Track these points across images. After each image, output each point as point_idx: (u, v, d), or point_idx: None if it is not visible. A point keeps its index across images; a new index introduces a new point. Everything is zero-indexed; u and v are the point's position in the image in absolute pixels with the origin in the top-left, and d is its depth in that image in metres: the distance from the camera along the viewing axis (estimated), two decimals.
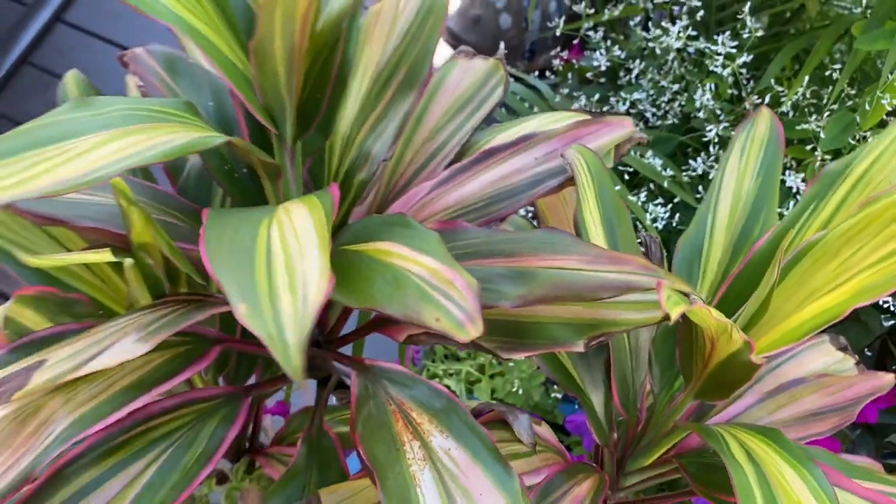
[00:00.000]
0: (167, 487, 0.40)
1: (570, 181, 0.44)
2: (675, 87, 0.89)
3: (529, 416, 0.48)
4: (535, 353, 0.40)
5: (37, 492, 0.40)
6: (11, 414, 0.39)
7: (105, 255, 0.40)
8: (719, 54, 0.84)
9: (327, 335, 0.51)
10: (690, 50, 0.88)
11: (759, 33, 0.85)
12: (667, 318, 0.36)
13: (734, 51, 0.84)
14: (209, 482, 0.61)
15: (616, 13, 0.94)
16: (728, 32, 0.86)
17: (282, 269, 0.28)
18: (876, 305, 0.80)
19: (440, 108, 0.50)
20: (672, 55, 0.88)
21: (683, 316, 0.39)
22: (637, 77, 0.93)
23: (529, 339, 0.40)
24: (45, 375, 0.37)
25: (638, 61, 0.93)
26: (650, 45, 0.91)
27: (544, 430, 0.51)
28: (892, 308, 0.79)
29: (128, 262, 0.40)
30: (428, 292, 0.28)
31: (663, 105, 0.93)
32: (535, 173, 0.45)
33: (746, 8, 0.84)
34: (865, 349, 0.86)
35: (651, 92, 0.92)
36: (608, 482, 0.51)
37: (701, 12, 0.89)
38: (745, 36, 0.85)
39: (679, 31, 0.85)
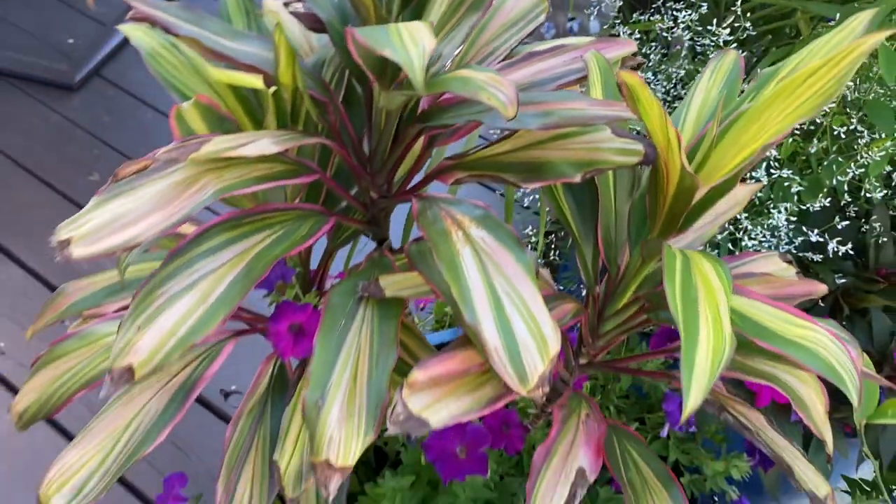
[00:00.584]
0: (283, 246, 0.58)
1: (586, 78, 0.61)
2: (682, 72, 1.06)
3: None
4: (547, 184, 0.57)
5: (189, 243, 0.58)
6: (180, 181, 0.57)
7: (257, 82, 0.58)
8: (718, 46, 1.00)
9: (396, 192, 0.68)
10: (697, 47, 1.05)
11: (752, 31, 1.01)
12: (644, 159, 0.53)
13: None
14: None
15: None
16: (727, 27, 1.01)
17: None
18: (828, 261, 0.94)
19: (497, 24, 0.67)
20: (683, 44, 1.05)
21: (654, 166, 0.56)
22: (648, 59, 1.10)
23: (543, 173, 0.57)
24: (211, 147, 0.54)
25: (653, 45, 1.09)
26: (663, 34, 1.07)
27: (545, 273, 0.68)
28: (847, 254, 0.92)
29: (271, 89, 0.58)
30: (485, 87, 0.45)
31: (671, 91, 1.09)
32: (562, 71, 0.62)
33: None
34: (820, 301, 1.01)
35: (660, 77, 1.09)
36: (587, 319, 0.68)
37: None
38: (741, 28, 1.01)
39: (684, 19, 1.02)
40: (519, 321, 0.53)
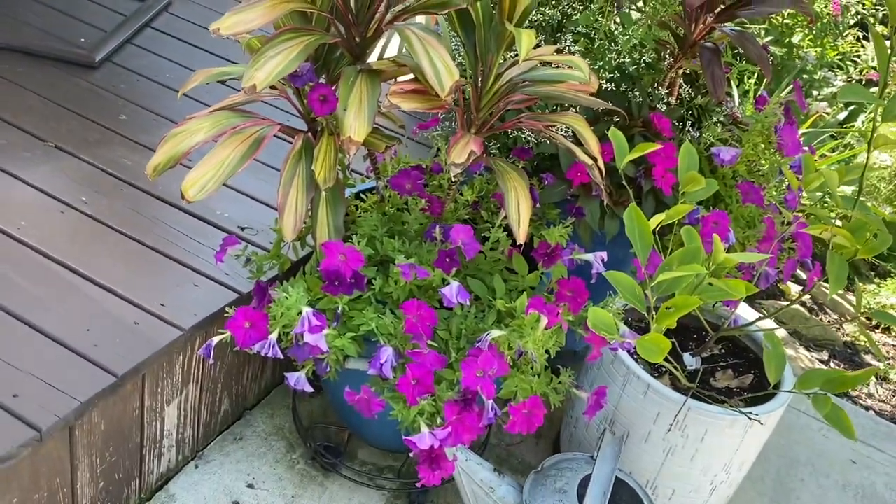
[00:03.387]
0: (315, 43, 1.16)
1: None
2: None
3: None
4: (450, 10, 1.19)
5: (275, 36, 1.15)
6: (269, 4, 1.15)
7: None
8: None
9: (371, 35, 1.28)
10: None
11: None
12: None
13: None
14: None
15: None
16: None
17: None
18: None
19: None
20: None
21: None
22: None
23: (449, 7, 1.19)
24: None
25: None
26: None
27: None
28: None
29: None
30: None
31: None
32: None
33: None
34: None
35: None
36: (474, 95, 1.29)
37: None
38: None
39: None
40: (439, 63, 1.14)
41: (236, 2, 2.15)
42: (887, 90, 0.95)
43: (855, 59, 4.23)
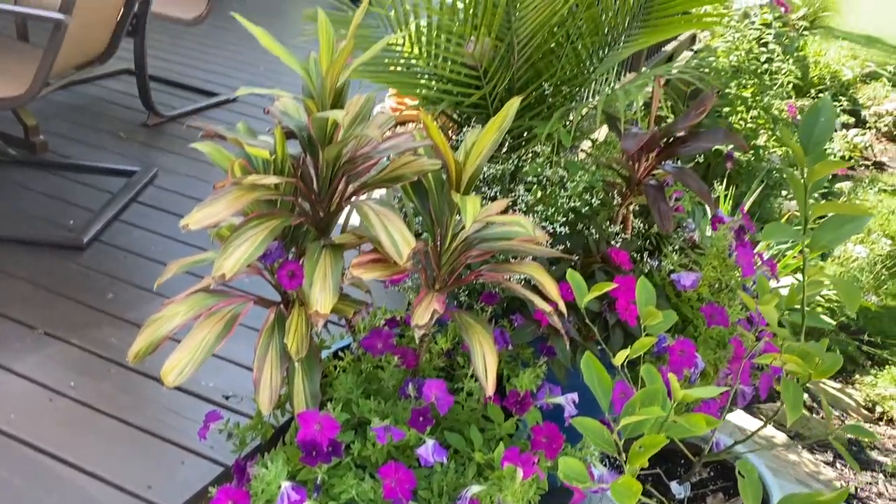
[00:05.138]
0: (280, 227, 1.25)
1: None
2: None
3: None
4: (403, 183, 1.28)
5: (242, 224, 1.24)
6: (235, 195, 1.24)
7: (266, 153, 1.27)
8: None
9: (333, 210, 1.37)
10: None
11: None
12: (442, 166, 1.27)
13: None
14: None
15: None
16: None
17: None
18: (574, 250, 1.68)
19: (376, 123, 1.40)
20: None
21: (444, 166, 1.28)
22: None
23: (401, 179, 1.28)
24: (249, 179, 1.22)
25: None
26: None
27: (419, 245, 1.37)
28: None
29: (272, 157, 1.28)
30: (378, 148, 1.17)
31: None
32: (405, 139, 1.36)
33: None
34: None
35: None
36: (434, 255, 1.36)
37: None
38: None
39: None
40: (396, 234, 1.21)
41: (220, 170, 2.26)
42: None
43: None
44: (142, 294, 1.97)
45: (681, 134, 1.52)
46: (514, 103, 1.28)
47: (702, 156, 4.09)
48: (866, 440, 2.73)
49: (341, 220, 1.45)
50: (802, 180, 1.05)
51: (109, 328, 1.82)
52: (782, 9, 4.47)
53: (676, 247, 1.71)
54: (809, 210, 1.03)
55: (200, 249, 2.15)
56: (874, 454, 2.72)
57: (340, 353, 1.52)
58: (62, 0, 2.02)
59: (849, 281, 1.12)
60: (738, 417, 2.63)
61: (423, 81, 1.79)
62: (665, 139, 1.56)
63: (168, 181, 2.62)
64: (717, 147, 3.78)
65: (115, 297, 1.95)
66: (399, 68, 1.81)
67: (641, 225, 1.68)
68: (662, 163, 1.56)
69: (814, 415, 2.92)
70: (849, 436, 2.81)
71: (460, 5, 1.63)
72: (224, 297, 1.35)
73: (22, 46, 2.65)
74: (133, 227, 2.30)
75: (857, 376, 3.29)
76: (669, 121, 2.98)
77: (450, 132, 1.95)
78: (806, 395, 3.09)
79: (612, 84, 1.83)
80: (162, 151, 2.84)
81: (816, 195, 3.87)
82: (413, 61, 1.79)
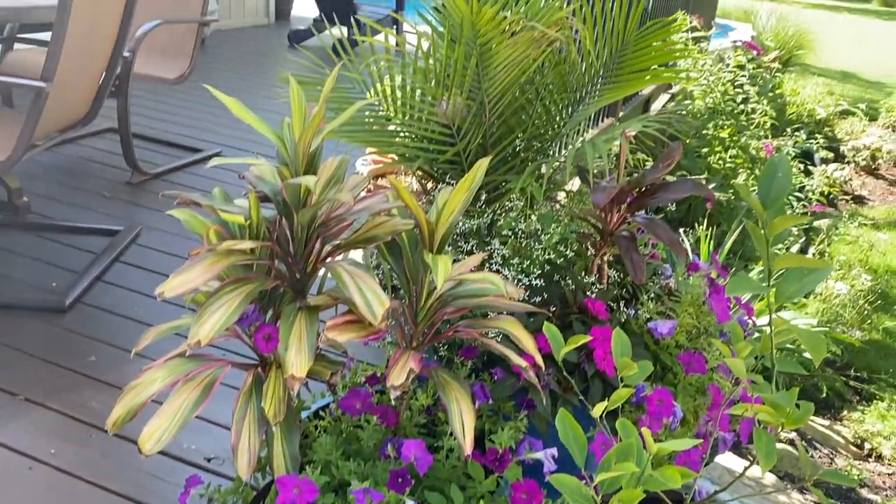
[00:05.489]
0: (255, 291, 1.26)
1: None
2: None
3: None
4: (378, 243, 1.30)
5: (219, 289, 1.25)
6: (211, 261, 1.25)
7: (241, 219, 1.29)
8: None
9: (310, 271, 1.39)
10: None
11: None
12: (415, 225, 1.29)
13: None
14: None
15: None
16: None
17: None
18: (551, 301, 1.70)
19: (348, 186, 1.43)
20: None
21: (417, 224, 1.30)
22: None
23: (375, 239, 1.31)
24: (224, 245, 1.24)
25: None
26: None
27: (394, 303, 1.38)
28: None
29: (247, 222, 1.30)
30: (351, 210, 1.20)
31: None
32: (379, 200, 1.38)
33: None
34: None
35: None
36: (410, 313, 1.38)
37: None
38: None
39: None
40: (370, 294, 1.23)
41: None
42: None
43: (798, 193, 4.46)
44: (124, 355, 1.97)
45: (649, 186, 1.55)
46: (483, 163, 1.31)
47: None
48: (855, 478, 2.73)
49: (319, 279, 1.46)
50: (764, 233, 1.08)
51: (91, 391, 1.82)
52: (754, 52, 4.58)
53: (653, 294, 1.73)
54: (772, 262, 1.05)
55: (185, 309, 2.16)
56: (864, 492, 2.71)
57: (321, 413, 1.53)
58: (43, 67, 2.05)
59: (814, 332, 1.14)
60: (727, 459, 2.62)
61: (398, 140, 1.82)
62: (635, 190, 1.59)
63: (152, 239, 2.63)
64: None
65: (97, 359, 1.95)
66: (375, 127, 1.85)
67: (617, 274, 1.71)
68: (634, 213, 1.59)
69: (807, 452, 2.92)
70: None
71: (433, 67, 1.67)
72: (201, 361, 1.35)
73: (4, 112, 2.68)
74: (116, 287, 2.31)
75: (845, 412, 3.29)
76: (647, 168, 3.03)
77: (428, 186, 1.98)
78: (795, 434, 3.09)
79: (584, 135, 1.87)
80: (146, 209, 2.86)
81: (795, 232, 3.91)
82: (388, 120, 1.83)
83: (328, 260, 1.36)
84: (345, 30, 6.71)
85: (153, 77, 3.20)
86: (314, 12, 7.60)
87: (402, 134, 1.84)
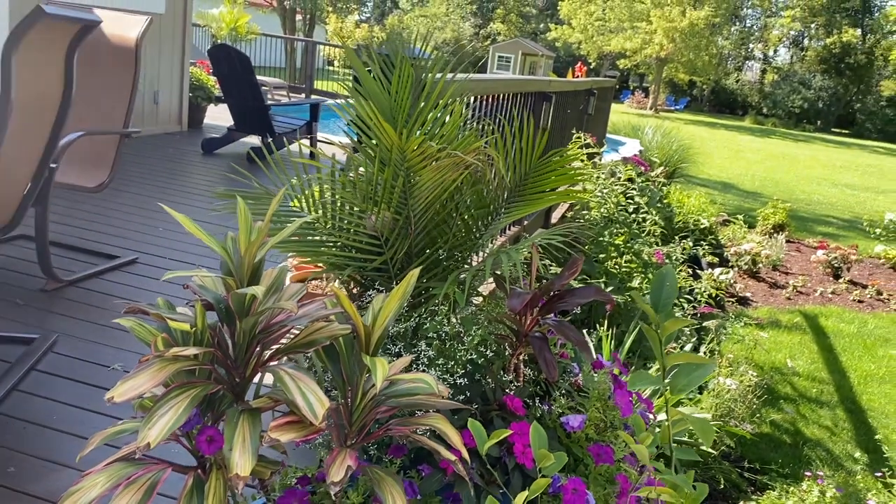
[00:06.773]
0: (198, 395, 1.34)
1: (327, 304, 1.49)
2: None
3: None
4: (315, 349, 1.41)
5: (165, 394, 1.32)
6: (158, 367, 1.32)
7: (187, 326, 1.38)
8: None
9: (249, 375, 1.47)
10: None
11: None
12: (352, 331, 1.41)
13: None
14: None
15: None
16: None
17: None
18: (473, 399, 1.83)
19: (287, 293, 1.53)
20: None
21: (353, 329, 1.42)
22: None
23: (313, 344, 1.42)
24: (171, 352, 1.32)
25: None
26: None
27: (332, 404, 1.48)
28: None
29: (192, 329, 1.39)
30: (289, 318, 1.31)
31: None
32: (318, 306, 1.50)
33: None
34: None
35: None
36: (346, 414, 1.47)
37: None
38: None
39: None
40: (311, 396, 1.33)
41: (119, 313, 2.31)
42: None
43: (688, 295, 4.82)
44: (45, 465, 1.95)
45: (557, 292, 1.73)
46: (414, 273, 1.46)
47: None
48: None
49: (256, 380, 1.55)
50: (657, 334, 1.26)
51: (12, 503, 1.79)
52: (642, 167, 5.02)
53: (564, 391, 1.89)
54: (666, 360, 1.23)
55: (105, 416, 2.15)
56: None
57: None
58: None
59: (702, 419, 1.30)
60: None
61: (325, 249, 1.95)
62: (546, 296, 1.77)
63: (68, 347, 2.62)
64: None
65: (16, 470, 1.91)
66: (302, 237, 1.98)
67: (532, 372, 1.86)
68: (545, 316, 1.77)
69: None
70: None
71: (361, 185, 1.83)
72: (142, 465, 1.40)
73: None
74: (33, 397, 2.28)
75: (741, 503, 3.49)
76: (552, 273, 3.27)
77: (354, 291, 2.11)
78: None
79: (494, 242, 2.05)
80: (61, 317, 2.84)
81: (688, 332, 4.22)
82: (313, 229, 1.97)
83: (268, 364, 1.46)
84: (258, 140, 6.89)
85: (74, 186, 3.23)
86: (226, 121, 7.77)
87: (328, 243, 1.97)
